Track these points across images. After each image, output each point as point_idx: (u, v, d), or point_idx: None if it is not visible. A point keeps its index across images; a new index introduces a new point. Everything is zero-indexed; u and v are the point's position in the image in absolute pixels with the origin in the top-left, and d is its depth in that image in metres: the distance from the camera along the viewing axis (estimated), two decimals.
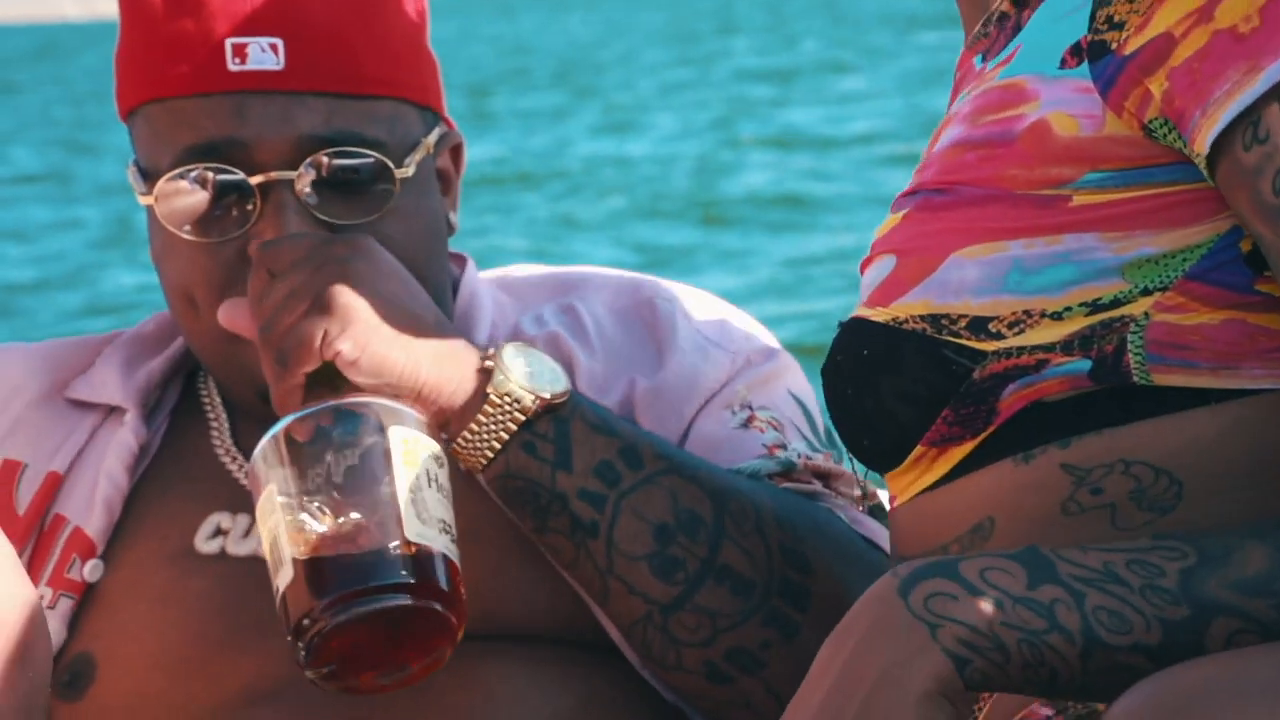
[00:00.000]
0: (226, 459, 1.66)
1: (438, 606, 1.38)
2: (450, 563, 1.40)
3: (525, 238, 11.60)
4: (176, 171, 1.58)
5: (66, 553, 1.63)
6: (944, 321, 1.30)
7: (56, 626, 1.59)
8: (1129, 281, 1.26)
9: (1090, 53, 1.27)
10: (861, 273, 1.39)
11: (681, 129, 17.12)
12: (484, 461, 1.49)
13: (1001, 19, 1.40)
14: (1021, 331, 1.28)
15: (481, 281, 1.74)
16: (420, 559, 1.38)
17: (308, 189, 1.57)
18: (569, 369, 1.61)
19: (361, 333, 1.45)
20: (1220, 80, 1.21)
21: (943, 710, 1.16)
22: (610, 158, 15.95)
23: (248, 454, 1.58)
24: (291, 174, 1.57)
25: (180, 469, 1.66)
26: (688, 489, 1.52)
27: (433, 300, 1.58)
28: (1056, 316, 1.26)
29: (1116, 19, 1.26)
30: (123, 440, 1.65)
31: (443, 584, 1.38)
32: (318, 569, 1.36)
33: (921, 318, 1.31)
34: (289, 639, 1.38)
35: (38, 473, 1.66)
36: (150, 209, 1.60)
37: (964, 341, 1.29)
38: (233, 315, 1.52)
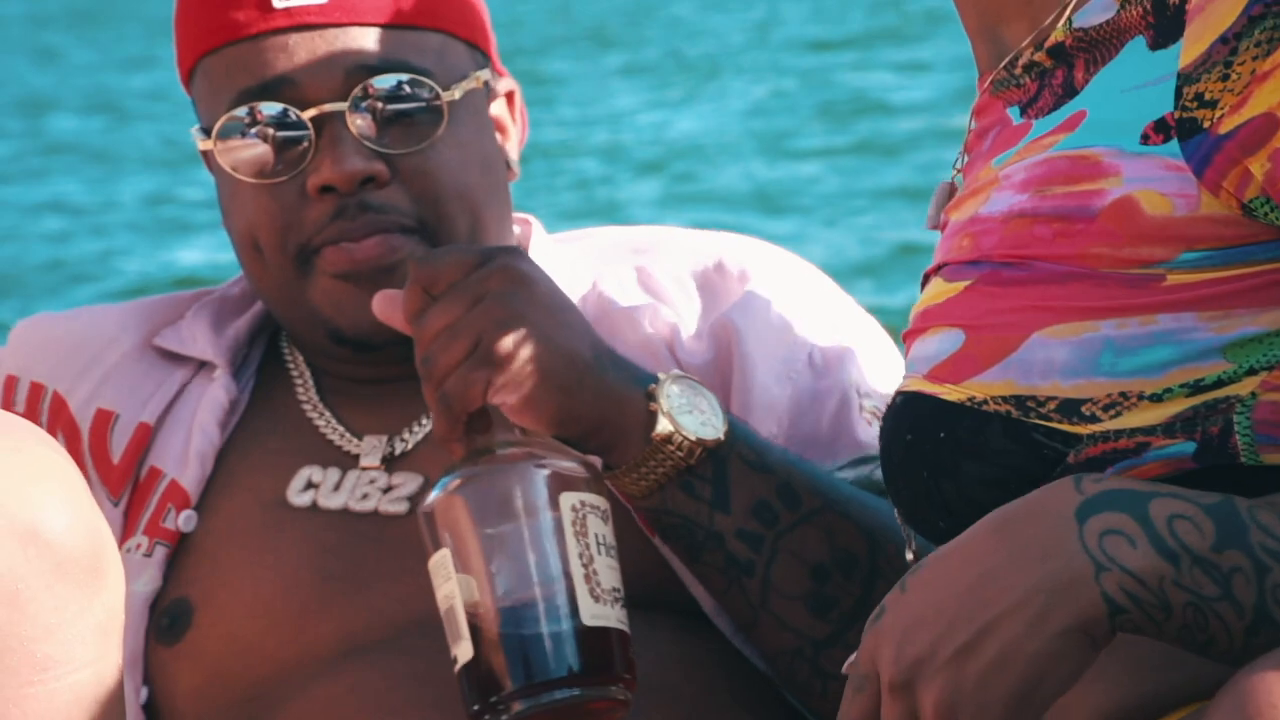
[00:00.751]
0: (314, 414, 1.73)
1: (613, 690, 1.45)
2: (623, 636, 1.46)
3: (565, 218, 11.28)
4: (231, 115, 1.64)
5: (162, 503, 1.70)
6: (1030, 404, 1.28)
7: (154, 574, 1.67)
8: (1232, 361, 1.26)
9: (1180, 130, 1.25)
10: (905, 342, 1.38)
11: (734, 101, 16.81)
12: (639, 495, 1.53)
13: (1034, 70, 1.36)
14: (1118, 414, 1.27)
15: (551, 243, 1.78)
16: (597, 646, 1.44)
17: (360, 120, 1.63)
18: (668, 347, 1.68)
19: (525, 381, 1.49)
20: None
21: (1080, 648, 1.15)
22: (659, 129, 15.66)
23: (334, 410, 1.71)
24: (342, 105, 1.63)
25: (269, 424, 1.73)
26: (843, 527, 1.55)
27: (500, 235, 1.69)
28: (1156, 398, 1.25)
29: (1208, 96, 1.24)
30: (214, 396, 1.72)
31: (618, 667, 1.45)
32: (497, 655, 1.44)
33: (1004, 399, 1.29)
34: (470, 708, 1.45)
35: (129, 423, 1.73)
36: (212, 159, 1.67)
37: (1055, 425, 1.28)
38: (387, 310, 1.55)
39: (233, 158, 1.66)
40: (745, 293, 1.72)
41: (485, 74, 1.71)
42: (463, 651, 1.46)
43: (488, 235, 1.70)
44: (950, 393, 1.32)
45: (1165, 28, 1.30)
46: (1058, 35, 1.35)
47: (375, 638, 1.63)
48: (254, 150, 1.66)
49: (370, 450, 1.71)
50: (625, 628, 1.47)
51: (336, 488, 1.69)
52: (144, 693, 1.67)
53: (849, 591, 1.55)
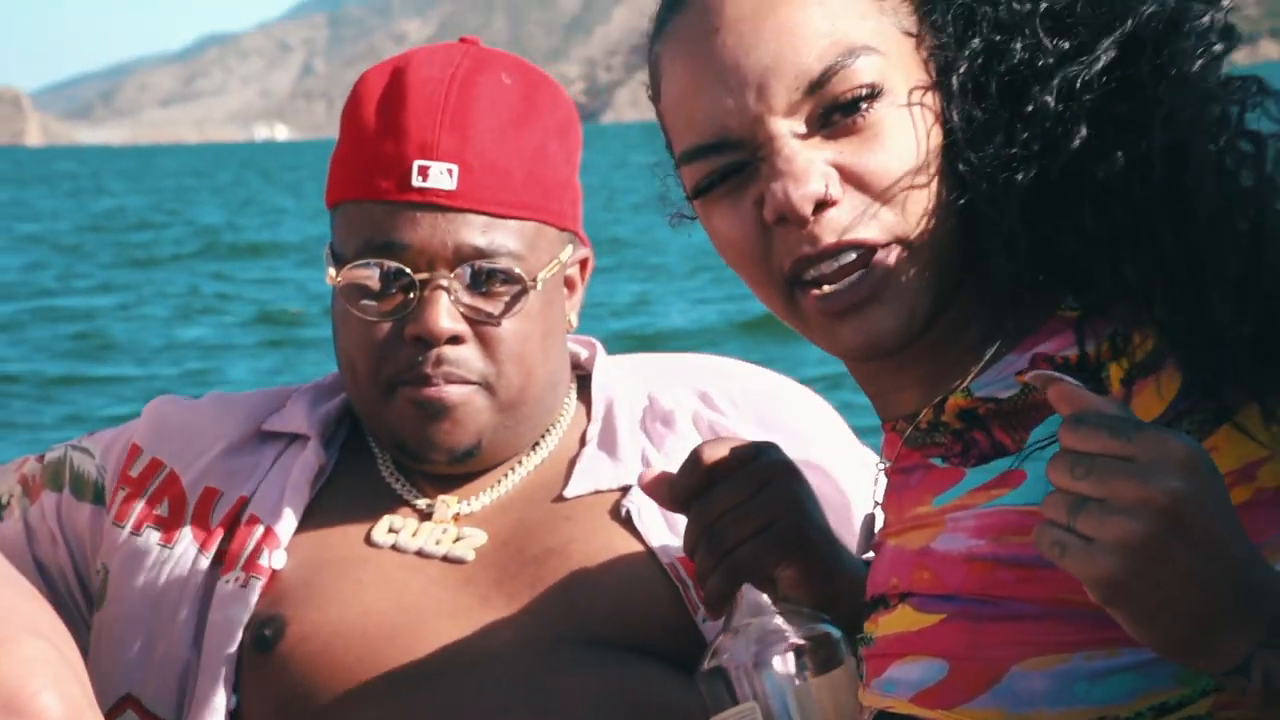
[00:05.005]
0: (392, 480, 2.02)
1: None
2: None
3: None
4: (358, 262, 1.94)
5: (259, 546, 1.97)
6: None
7: (246, 601, 1.94)
8: (1187, 686, 1.35)
9: None
10: (871, 660, 1.49)
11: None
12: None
13: (944, 429, 1.49)
14: None
15: (612, 364, 2.10)
16: None
17: (458, 287, 1.93)
18: (712, 432, 1.97)
19: (808, 565, 1.66)
20: (1271, 531, 1.34)
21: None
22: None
23: (409, 478, 2.00)
24: (447, 276, 1.93)
25: (354, 486, 2.02)
26: None
27: (550, 384, 1.98)
28: None
29: None
30: (307, 460, 2.02)
31: None
32: None
33: None
34: None
35: (230, 498, 2.03)
36: (335, 288, 1.97)
37: None
38: (653, 486, 1.71)
39: (350, 290, 1.95)
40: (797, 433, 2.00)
41: (568, 253, 2.00)
42: None
43: (537, 387, 1.99)
44: (944, 719, 1.42)
45: None
46: (959, 401, 1.48)
47: (434, 668, 1.87)
48: (368, 291, 1.95)
49: (442, 507, 2.00)
50: None
51: (415, 534, 1.97)
52: (232, 700, 1.93)
53: None
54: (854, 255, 1.42)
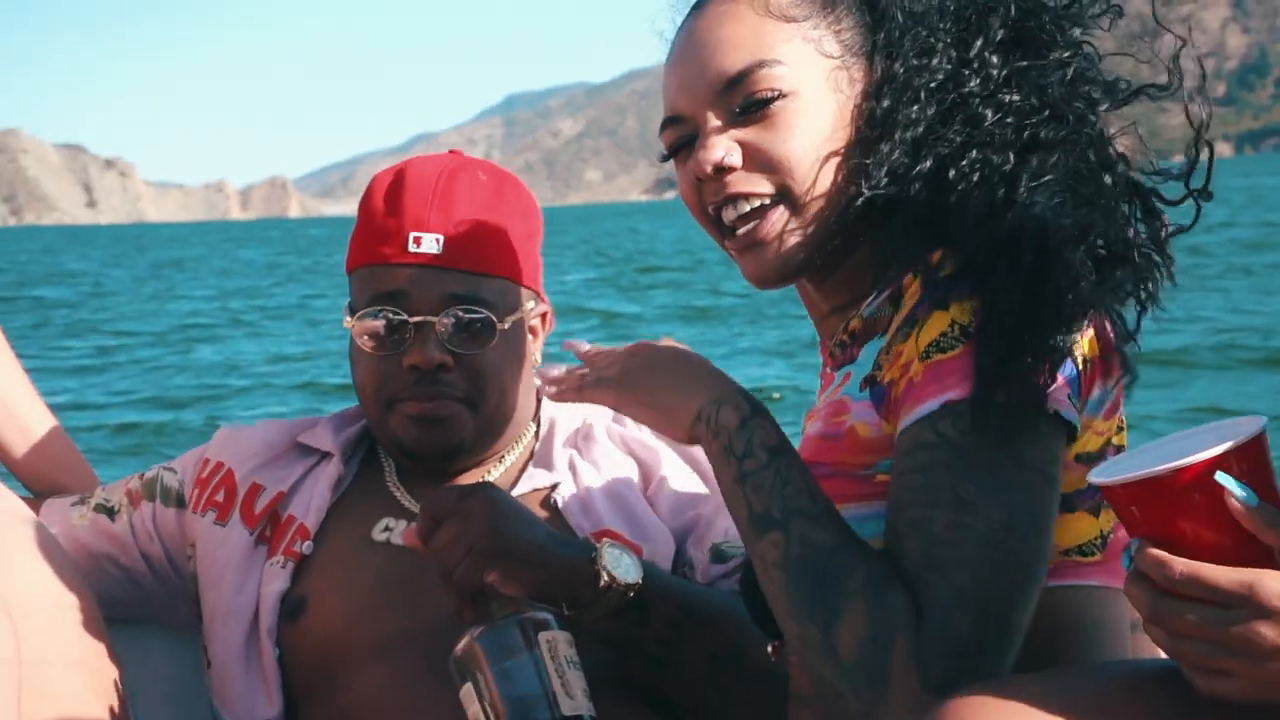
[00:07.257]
0: (394, 489, 2.35)
1: None
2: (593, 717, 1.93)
3: None
4: (366, 310, 2.28)
5: (294, 536, 2.32)
6: None
7: (285, 577, 2.28)
8: None
9: (870, 384, 1.71)
10: None
11: None
12: (593, 624, 2.02)
13: (842, 345, 1.82)
14: None
15: (553, 404, 2.44)
16: None
17: (442, 328, 2.25)
18: (623, 442, 2.37)
19: (509, 569, 1.99)
20: (929, 393, 1.62)
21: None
22: None
23: (406, 486, 2.33)
24: (435, 318, 2.26)
25: (364, 492, 2.36)
26: (723, 630, 2.06)
27: (518, 403, 2.30)
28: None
29: (880, 364, 1.71)
30: (331, 473, 2.38)
31: None
32: None
33: None
34: None
35: (271, 491, 2.39)
36: (350, 332, 2.30)
37: None
38: (409, 537, 2.04)
39: (362, 335, 2.28)
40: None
41: (530, 306, 2.32)
42: None
43: (509, 406, 2.33)
44: None
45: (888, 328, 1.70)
46: (856, 323, 1.78)
47: (410, 635, 2.18)
48: (374, 332, 2.26)
49: None
50: (593, 712, 1.91)
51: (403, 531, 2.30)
52: (276, 651, 2.27)
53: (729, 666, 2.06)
54: (749, 208, 1.78)
